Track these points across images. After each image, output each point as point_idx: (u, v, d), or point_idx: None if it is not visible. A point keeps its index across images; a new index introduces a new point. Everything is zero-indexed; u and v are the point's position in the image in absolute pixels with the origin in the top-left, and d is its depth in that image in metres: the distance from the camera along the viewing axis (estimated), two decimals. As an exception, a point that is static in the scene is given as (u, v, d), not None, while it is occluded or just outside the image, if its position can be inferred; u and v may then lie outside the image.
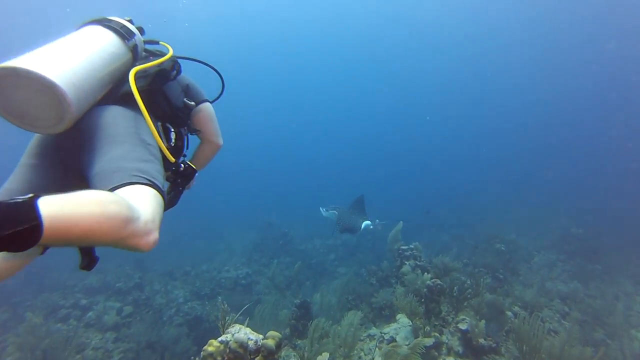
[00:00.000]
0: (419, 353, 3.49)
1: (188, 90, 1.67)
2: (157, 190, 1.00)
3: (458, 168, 28.59)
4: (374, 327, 5.09)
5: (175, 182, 1.41)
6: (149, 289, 8.00)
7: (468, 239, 9.61)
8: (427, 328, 4.22)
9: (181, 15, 24.19)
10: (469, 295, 4.64)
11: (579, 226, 9.44)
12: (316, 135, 38.43)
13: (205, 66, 1.85)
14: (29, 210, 0.61)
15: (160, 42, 1.59)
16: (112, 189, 0.93)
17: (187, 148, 1.78)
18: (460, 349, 4.09)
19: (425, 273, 4.84)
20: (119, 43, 1.27)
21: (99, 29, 1.25)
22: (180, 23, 24.57)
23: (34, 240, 0.61)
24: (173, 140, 1.44)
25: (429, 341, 4.01)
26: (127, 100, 1.21)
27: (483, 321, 4.08)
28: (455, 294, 4.65)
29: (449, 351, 4.10)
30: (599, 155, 26.19)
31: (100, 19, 1.30)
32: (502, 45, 28.72)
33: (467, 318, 4.40)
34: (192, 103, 1.61)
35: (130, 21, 1.40)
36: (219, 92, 1.99)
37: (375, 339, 4.65)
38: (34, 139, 1.22)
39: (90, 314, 6.22)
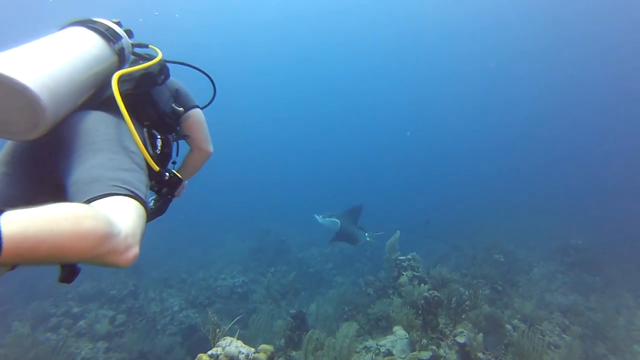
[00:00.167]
0: (415, 367, 3.41)
1: (177, 96, 1.62)
2: (139, 202, 0.95)
3: (458, 178, 28.55)
4: (370, 339, 4.99)
5: (160, 192, 1.36)
6: (143, 297, 7.88)
7: (467, 250, 9.53)
8: (424, 341, 4.13)
9: (171, 8, 24.24)
10: (467, 308, 4.55)
11: (578, 237, 9.37)
12: (316, 144, 38.46)
13: (204, 71, 1.82)
14: None
15: (150, 46, 1.54)
16: (90, 201, 0.88)
17: (177, 155, 1.74)
18: (458, 363, 3.99)
19: (423, 284, 4.76)
20: (104, 46, 1.22)
21: (82, 31, 1.19)
22: (171, 16, 24.55)
23: None
24: (159, 148, 1.38)
25: (426, 354, 3.92)
26: (110, 105, 1.15)
27: (481, 334, 3.99)
28: (453, 305, 4.57)
29: (447, 365, 4.00)
30: (600, 166, 26.20)
31: (84, 20, 1.24)
32: (506, 53, 28.93)
33: (465, 331, 4.31)
34: (181, 109, 1.55)
35: (118, 23, 1.36)
36: (214, 97, 1.95)
37: (371, 351, 4.55)
38: (6, 145, 1.16)
39: (81, 322, 6.10)
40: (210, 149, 1.74)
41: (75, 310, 6.44)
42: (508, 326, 4.76)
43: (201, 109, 1.75)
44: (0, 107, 0.92)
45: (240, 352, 2.50)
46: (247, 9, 27.67)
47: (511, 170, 29.35)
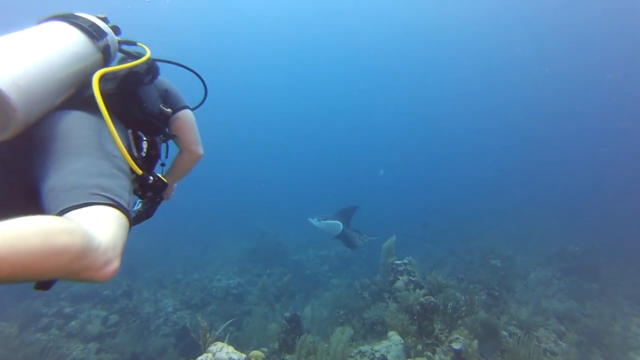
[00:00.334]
0: (409, 374, 3.36)
1: (166, 96, 1.56)
2: (121, 211, 0.90)
3: (457, 180, 28.58)
4: (366, 344, 4.94)
5: (144, 196, 1.30)
6: (137, 297, 7.80)
7: (463, 254, 9.50)
8: (420, 347, 4.08)
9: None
10: (463, 313, 4.51)
11: (576, 242, 9.36)
12: (315, 145, 38.43)
13: (194, 71, 1.77)
14: None
15: (138, 43, 1.48)
16: (67, 210, 0.82)
17: (167, 157, 1.68)
18: (453, 370, 3.94)
19: (418, 289, 4.72)
20: (86, 42, 1.16)
21: (62, 26, 1.12)
22: (162, 4, 24.27)
23: None
24: (145, 150, 1.32)
25: (421, 361, 3.87)
26: (91, 105, 1.07)
27: (476, 341, 3.95)
28: (449, 311, 4.52)
29: (442, 372, 3.96)
30: (600, 170, 26.26)
31: (66, 15, 1.18)
32: (506, 57, 29.01)
33: (460, 337, 4.26)
34: (169, 110, 1.49)
35: (104, 19, 1.30)
36: (205, 98, 1.90)
37: (366, 355, 4.50)
38: None
39: (73, 323, 6.02)
40: (201, 151, 1.68)
41: (67, 310, 6.35)
42: (504, 333, 4.73)
43: (192, 110, 1.70)
44: None
45: (231, 358, 2.45)
46: (247, 8, 27.60)
47: (510, 173, 29.44)
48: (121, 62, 1.38)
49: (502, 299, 6.24)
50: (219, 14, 28.11)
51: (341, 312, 5.90)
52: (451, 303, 4.61)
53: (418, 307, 4.33)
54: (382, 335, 4.99)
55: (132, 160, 1.06)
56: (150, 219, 1.57)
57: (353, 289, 7.22)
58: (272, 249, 10.67)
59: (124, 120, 1.26)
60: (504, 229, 12.31)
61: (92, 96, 1.03)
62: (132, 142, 1.25)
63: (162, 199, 1.56)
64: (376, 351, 4.41)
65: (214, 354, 2.46)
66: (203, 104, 1.90)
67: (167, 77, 1.68)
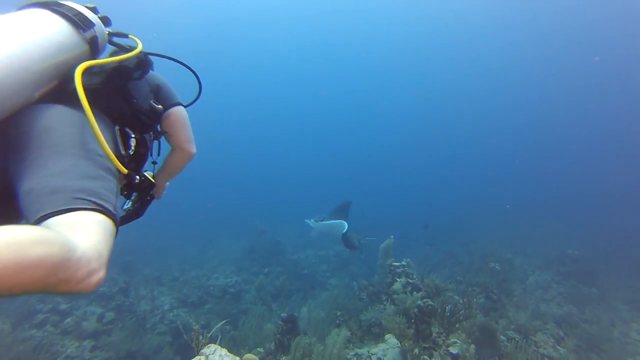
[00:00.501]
0: (406, 379, 3.31)
1: (158, 92, 1.49)
2: (107, 215, 0.84)
3: (455, 183, 28.54)
4: (364, 346, 4.90)
5: (129, 197, 1.25)
6: (134, 294, 7.76)
7: (462, 256, 9.46)
8: (417, 351, 4.04)
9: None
10: (461, 317, 4.47)
11: (575, 246, 9.31)
12: (316, 144, 38.39)
13: (189, 66, 1.71)
14: None
15: (130, 36, 1.41)
16: (48, 216, 0.77)
17: (159, 155, 1.62)
18: (450, 375, 3.91)
19: (416, 292, 4.67)
20: (71, 32, 1.09)
21: (44, 13, 1.05)
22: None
23: None
24: (133, 148, 1.24)
25: (418, 365, 3.83)
26: (74, 100, 0.98)
27: (473, 346, 3.91)
28: (447, 314, 4.48)
29: (438, 376, 3.92)
30: (600, 176, 26.21)
31: (49, 2, 1.10)
32: (507, 59, 28.90)
33: (458, 341, 4.22)
34: (160, 107, 1.41)
35: (93, 9, 1.23)
36: (200, 94, 1.83)
37: (362, 358, 4.46)
38: None
39: (68, 319, 5.98)
40: (193, 149, 1.61)
41: (63, 306, 6.31)
42: (502, 337, 4.68)
43: (186, 107, 1.64)
44: None
45: (223, 361, 2.41)
46: (250, 5, 27.48)
47: (511, 175, 29.39)
48: (113, 55, 1.32)
49: (500, 302, 6.20)
50: (218, 9, 27.94)
51: (338, 313, 5.86)
52: (449, 306, 4.57)
53: (416, 310, 4.28)
54: (379, 337, 4.95)
55: (116, 159, 1.00)
56: (140, 218, 1.53)
57: (351, 289, 7.18)
58: (271, 248, 10.63)
59: (110, 116, 1.20)
60: (503, 232, 12.26)
61: (75, 90, 0.96)
62: (119, 140, 1.18)
63: (152, 198, 1.51)
64: (373, 354, 4.37)
65: (207, 357, 2.42)
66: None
67: (163, 74, 1.62)
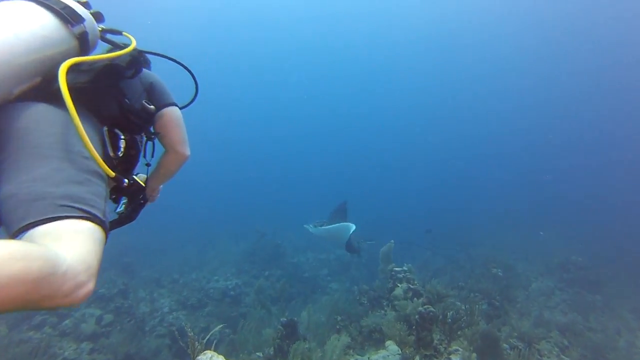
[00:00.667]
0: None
1: (151, 91, 1.43)
2: (95, 223, 0.80)
3: (458, 187, 28.37)
4: (365, 353, 4.83)
5: (117, 201, 1.20)
6: (133, 297, 7.73)
7: (464, 262, 9.36)
8: (417, 358, 3.97)
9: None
10: (463, 324, 4.39)
11: (579, 252, 9.19)
12: (317, 146, 38.36)
13: (184, 65, 1.66)
14: None
15: (124, 33, 1.37)
16: (31, 226, 0.73)
17: (153, 156, 1.58)
18: (451, 383, 3.83)
19: (417, 298, 4.60)
20: (58, 27, 1.04)
21: (28, 6, 1.00)
22: None
23: None
24: (122, 149, 1.19)
25: (419, 373, 3.76)
26: (59, 98, 0.93)
27: (475, 354, 3.83)
28: (448, 321, 4.41)
29: (440, 385, 3.84)
30: (604, 181, 25.99)
31: None
32: (512, 61, 28.81)
33: (460, 349, 4.15)
34: (152, 107, 1.36)
35: (85, 4, 1.18)
36: (196, 95, 1.79)
37: (362, 364, 4.39)
38: None
39: (67, 321, 5.94)
40: (187, 151, 1.54)
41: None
42: (505, 345, 4.60)
43: (182, 108, 1.59)
44: None
45: (219, 368, 2.35)
46: (252, 6, 27.56)
47: (514, 180, 29.19)
48: (108, 52, 1.27)
49: (503, 309, 6.10)
50: (218, 9, 27.94)
51: (339, 318, 5.79)
52: (451, 313, 4.50)
53: (417, 316, 4.21)
54: (379, 343, 4.88)
55: (102, 161, 0.95)
56: (136, 220, 1.48)
57: (351, 294, 7.11)
58: (271, 251, 10.57)
59: (98, 117, 1.15)
60: (506, 237, 12.15)
61: (60, 89, 0.92)
62: (107, 141, 1.13)
63: (146, 201, 1.46)
64: (373, 361, 4.30)
65: (202, 364, 2.37)
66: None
67: (158, 74, 1.58)
